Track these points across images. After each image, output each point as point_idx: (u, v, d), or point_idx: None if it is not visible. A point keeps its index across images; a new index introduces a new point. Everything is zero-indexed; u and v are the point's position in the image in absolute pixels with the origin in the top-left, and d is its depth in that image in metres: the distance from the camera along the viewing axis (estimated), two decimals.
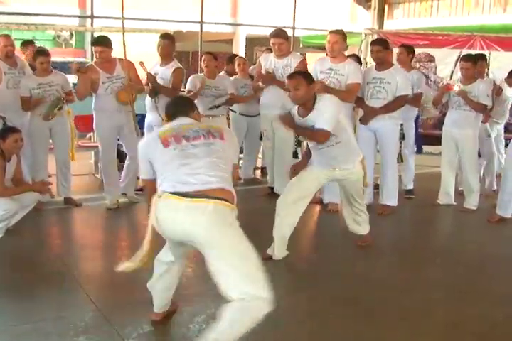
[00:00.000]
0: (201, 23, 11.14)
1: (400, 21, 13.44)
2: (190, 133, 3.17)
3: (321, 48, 16.21)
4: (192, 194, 2.93)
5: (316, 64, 5.97)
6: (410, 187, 6.92)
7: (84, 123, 7.06)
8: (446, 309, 3.85)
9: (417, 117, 7.34)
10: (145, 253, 3.20)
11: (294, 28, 12.15)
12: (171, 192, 2.97)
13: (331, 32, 5.84)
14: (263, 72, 6.13)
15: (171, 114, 3.46)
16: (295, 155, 6.26)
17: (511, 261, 4.91)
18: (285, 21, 12.42)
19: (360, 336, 3.45)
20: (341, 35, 5.77)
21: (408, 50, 6.73)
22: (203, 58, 6.76)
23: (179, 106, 3.52)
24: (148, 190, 3.37)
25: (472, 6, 12.30)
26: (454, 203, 6.53)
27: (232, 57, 7.49)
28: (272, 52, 6.22)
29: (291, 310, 3.76)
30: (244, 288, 2.82)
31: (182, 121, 3.34)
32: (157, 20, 12.66)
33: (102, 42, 5.78)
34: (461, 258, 4.90)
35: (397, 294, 4.05)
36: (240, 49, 16.18)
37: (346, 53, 6.19)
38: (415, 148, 7.28)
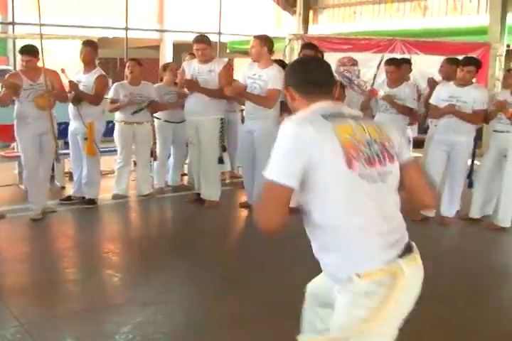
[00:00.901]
0: (126, 29, 11.01)
1: (324, 26, 13.67)
2: (367, 149, 2.06)
3: (248, 53, 16.33)
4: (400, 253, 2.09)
5: (246, 69, 6.05)
6: None
7: (6, 133, 6.86)
8: None
9: None
10: None
11: (219, 33, 12.19)
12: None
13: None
14: (187, 78, 6.13)
15: (309, 85, 2.21)
16: (221, 160, 6.29)
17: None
18: (211, 27, 12.44)
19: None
20: (260, 39, 5.83)
21: (321, 53, 6.91)
22: (127, 65, 6.69)
23: (326, 74, 2.26)
24: (267, 203, 2.04)
25: (393, 11, 12.64)
26: None
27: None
28: (195, 57, 6.23)
29: (221, 313, 3.77)
30: None
31: (342, 110, 2.16)
32: (80, 26, 12.45)
33: (29, 51, 5.64)
34: None
35: None
36: (166, 55, 16.10)
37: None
38: None
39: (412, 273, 2.07)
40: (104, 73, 6.20)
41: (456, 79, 5.85)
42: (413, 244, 2.16)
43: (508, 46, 11.24)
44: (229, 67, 6.31)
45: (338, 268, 2.11)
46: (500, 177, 5.93)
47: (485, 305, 4.11)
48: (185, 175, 7.55)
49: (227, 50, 15.21)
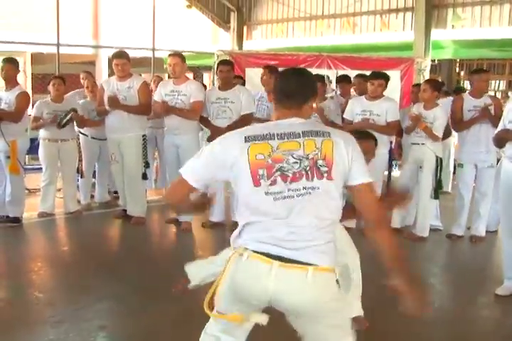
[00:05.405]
0: (58, 45, 10.91)
1: (258, 42, 13.86)
2: (290, 166, 2.27)
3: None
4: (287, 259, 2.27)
5: (160, 87, 6.17)
6: None
7: None
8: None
9: None
10: None
11: (153, 49, 12.22)
12: (254, 251, 2.29)
13: (170, 55, 6.07)
14: (106, 96, 6.19)
15: (279, 97, 2.43)
16: (144, 176, 6.33)
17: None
18: (147, 43, 12.49)
19: None
20: (180, 57, 6.00)
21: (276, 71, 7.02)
22: (52, 82, 6.61)
23: (300, 87, 2.42)
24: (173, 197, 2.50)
25: (325, 28, 12.93)
26: None
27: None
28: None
29: (137, 327, 3.79)
30: None
31: (286, 126, 2.35)
32: (9, 42, 12.28)
33: None
34: None
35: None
36: (102, 71, 16.04)
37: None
38: None
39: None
40: (25, 90, 6.18)
41: (367, 94, 6.08)
42: (319, 260, 2.27)
43: (433, 61, 11.65)
44: (146, 84, 6.42)
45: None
46: (418, 188, 6.14)
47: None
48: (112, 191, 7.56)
49: (165, 66, 15.25)
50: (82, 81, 7.43)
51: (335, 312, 2.34)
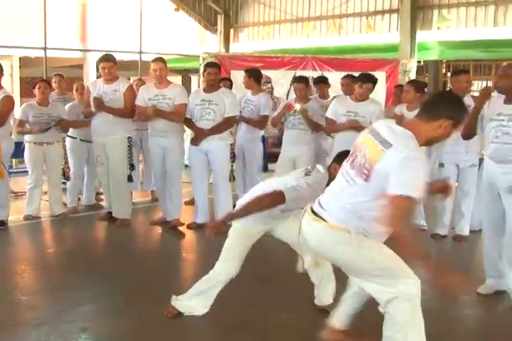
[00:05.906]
0: (45, 48, 10.93)
1: (244, 44, 13.92)
2: (358, 157, 2.86)
3: (174, 71, 16.41)
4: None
5: (142, 92, 6.19)
6: None
7: None
8: None
9: (263, 137, 7.62)
10: None
11: (140, 52, 12.23)
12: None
13: (154, 60, 6.11)
14: (92, 98, 6.20)
15: (421, 107, 2.91)
16: (130, 178, 6.34)
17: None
18: (134, 46, 12.51)
19: None
20: (163, 62, 6.07)
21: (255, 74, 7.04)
22: (37, 86, 6.62)
23: (437, 105, 2.79)
24: None
25: (310, 30, 12.97)
26: None
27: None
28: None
29: (122, 328, 3.79)
30: None
31: (390, 133, 2.75)
32: None
33: None
34: None
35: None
36: (90, 74, 16.03)
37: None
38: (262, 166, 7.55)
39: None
40: (9, 94, 6.18)
41: (353, 95, 6.09)
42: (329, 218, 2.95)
43: (419, 62, 11.72)
44: (133, 87, 6.42)
45: None
46: None
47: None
48: (100, 193, 7.56)
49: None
50: (53, 84, 7.43)
51: (345, 254, 2.94)
